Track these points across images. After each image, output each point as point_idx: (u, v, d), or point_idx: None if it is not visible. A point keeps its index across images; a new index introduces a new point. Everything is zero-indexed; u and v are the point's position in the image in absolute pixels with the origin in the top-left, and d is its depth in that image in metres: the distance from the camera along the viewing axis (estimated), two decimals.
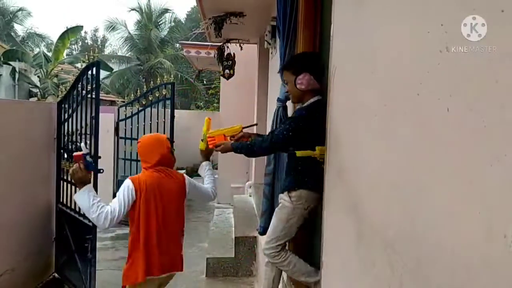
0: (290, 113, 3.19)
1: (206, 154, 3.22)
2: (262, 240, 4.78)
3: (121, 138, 8.07)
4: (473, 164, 0.89)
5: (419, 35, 1.12)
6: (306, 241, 3.19)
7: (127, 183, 2.83)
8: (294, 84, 2.61)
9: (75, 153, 2.77)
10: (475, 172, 0.88)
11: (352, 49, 1.68)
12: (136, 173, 7.91)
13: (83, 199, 2.68)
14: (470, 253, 0.88)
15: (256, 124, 2.89)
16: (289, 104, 3.17)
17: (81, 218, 4.42)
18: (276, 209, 2.81)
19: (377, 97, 1.38)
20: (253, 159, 7.46)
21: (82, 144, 2.91)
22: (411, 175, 1.14)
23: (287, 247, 2.89)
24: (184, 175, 3.11)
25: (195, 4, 5.34)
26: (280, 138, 2.56)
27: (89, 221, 4.22)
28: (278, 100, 3.16)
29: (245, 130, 3.10)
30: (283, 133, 2.55)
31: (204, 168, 3.26)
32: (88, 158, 2.73)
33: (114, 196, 2.86)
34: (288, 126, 2.57)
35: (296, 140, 2.56)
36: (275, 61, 4.24)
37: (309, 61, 2.65)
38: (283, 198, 2.73)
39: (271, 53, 5.08)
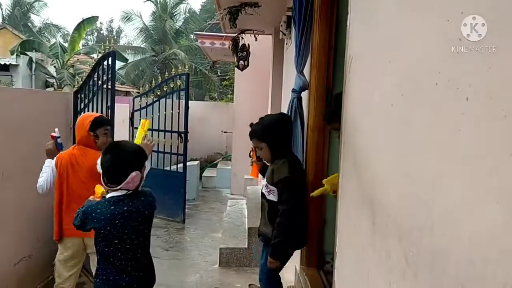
0: (305, 104, 3.18)
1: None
2: None
3: (136, 128, 8.10)
4: (492, 153, 0.88)
5: (438, 23, 1.10)
6: (318, 231, 3.19)
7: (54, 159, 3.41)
8: None
9: (51, 133, 3.55)
10: (494, 162, 0.87)
11: (369, 39, 1.67)
12: (151, 163, 7.98)
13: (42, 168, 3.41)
14: (487, 244, 0.88)
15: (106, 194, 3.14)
16: (304, 95, 3.16)
17: None
18: None
19: (394, 86, 1.37)
20: None
21: (56, 129, 3.58)
22: (428, 165, 1.13)
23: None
24: None
25: None
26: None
27: None
28: (293, 91, 3.15)
29: None
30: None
31: None
32: (59, 140, 3.55)
33: None
34: None
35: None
36: (290, 52, 4.22)
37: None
38: None
39: (286, 43, 5.06)
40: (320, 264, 3.19)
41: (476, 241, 0.91)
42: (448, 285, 1.01)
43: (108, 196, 2.48)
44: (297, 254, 3.36)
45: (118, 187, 2.44)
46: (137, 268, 2.51)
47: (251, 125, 3.03)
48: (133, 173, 2.43)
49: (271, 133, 2.83)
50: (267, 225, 2.94)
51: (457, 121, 1.00)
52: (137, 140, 3.42)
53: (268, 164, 3.04)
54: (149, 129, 8.59)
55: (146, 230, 2.55)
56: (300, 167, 2.97)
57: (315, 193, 2.79)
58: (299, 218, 2.87)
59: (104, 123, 3.45)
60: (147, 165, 3.30)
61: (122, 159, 2.47)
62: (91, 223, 2.42)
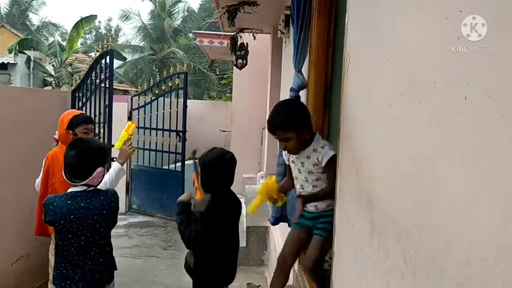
0: (304, 102, 3.17)
1: (121, 156, 3.36)
2: (274, 230, 4.79)
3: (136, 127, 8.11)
4: (490, 153, 0.87)
5: (437, 21, 1.10)
6: None
7: None
8: None
9: (54, 136, 3.47)
10: (492, 162, 0.86)
11: (367, 37, 1.66)
12: (149, 162, 7.97)
13: None
14: (486, 244, 0.87)
15: None
16: (302, 94, 3.15)
17: None
18: None
19: (392, 85, 1.36)
20: (266, 148, 7.45)
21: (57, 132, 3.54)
22: (426, 165, 1.13)
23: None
24: None
25: None
26: None
27: None
28: (291, 90, 3.14)
29: None
30: None
31: (112, 167, 3.33)
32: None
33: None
34: None
35: None
36: (288, 51, 4.21)
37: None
38: None
39: (285, 42, 5.05)
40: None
41: (475, 241, 0.91)
42: (447, 285, 1.00)
43: (68, 190, 2.52)
44: None
45: (83, 183, 2.47)
46: (90, 264, 2.51)
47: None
48: (99, 169, 2.48)
49: (206, 167, 2.76)
50: (191, 255, 2.81)
51: (455, 120, 1.00)
52: (118, 143, 3.37)
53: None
54: (147, 128, 8.59)
55: (103, 229, 2.52)
56: (224, 205, 2.79)
57: (252, 207, 2.65)
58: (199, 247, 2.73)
59: (84, 122, 3.38)
60: (122, 169, 3.30)
61: (88, 154, 2.52)
62: (48, 216, 2.45)
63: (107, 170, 3.10)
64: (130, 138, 3.44)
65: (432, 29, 1.13)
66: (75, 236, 2.44)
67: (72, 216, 2.41)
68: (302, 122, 2.47)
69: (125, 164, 3.46)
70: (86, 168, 2.47)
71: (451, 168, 1.01)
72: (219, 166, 2.76)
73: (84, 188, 2.49)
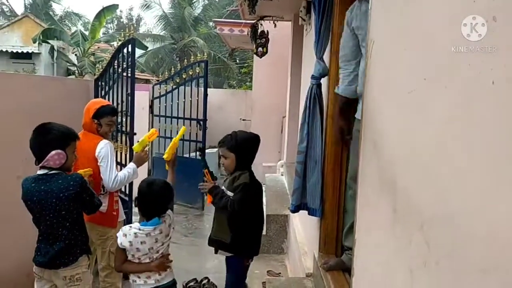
0: (324, 91, 3.15)
1: (137, 161, 3.50)
2: (294, 218, 4.80)
3: (156, 115, 8.19)
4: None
5: (464, 4, 1.07)
6: (338, 219, 3.18)
7: None
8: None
9: None
10: None
11: (391, 22, 1.63)
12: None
13: None
14: (508, 231, 0.86)
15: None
16: (323, 81, 3.12)
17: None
18: None
19: (416, 70, 1.34)
20: (286, 137, 7.44)
21: None
22: (447, 153, 1.11)
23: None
24: (102, 145, 3.29)
25: None
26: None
27: (125, 195, 4.33)
28: (312, 77, 3.12)
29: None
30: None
31: (131, 166, 3.49)
32: None
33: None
34: None
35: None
36: (309, 38, 4.17)
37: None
38: None
39: (306, 29, 5.00)
40: (339, 251, 3.18)
41: (497, 228, 0.89)
42: (470, 273, 0.99)
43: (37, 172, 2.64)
44: (315, 241, 3.36)
45: (40, 165, 2.59)
46: (58, 243, 2.64)
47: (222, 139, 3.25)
48: (53, 152, 2.56)
49: (242, 148, 3.13)
50: (224, 232, 3.14)
51: (479, 107, 0.97)
52: (138, 146, 3.39)
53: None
54: (168, 117, 8.67)
55: (64, 212, 2.60)
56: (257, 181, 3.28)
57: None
58: (246, 216, 3.10)
59: (110, 113, 3.43)
60: (136, 172, 3.41)
61: (41, 138, 2.62)
62: (22, 194, 2.62)
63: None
64: (147, 145, 3.47)
65: (458, 11, 1.10)
66: (41, 216, 2.60)
67: (34, 198, 2.57)
68: None
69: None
70: (40, 151, 2.59)
71: (472, 158, 0.99)
72: (253, 148, 3.21)
73: (45, 171, 2.59)
